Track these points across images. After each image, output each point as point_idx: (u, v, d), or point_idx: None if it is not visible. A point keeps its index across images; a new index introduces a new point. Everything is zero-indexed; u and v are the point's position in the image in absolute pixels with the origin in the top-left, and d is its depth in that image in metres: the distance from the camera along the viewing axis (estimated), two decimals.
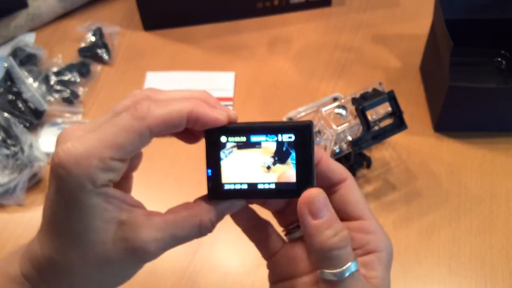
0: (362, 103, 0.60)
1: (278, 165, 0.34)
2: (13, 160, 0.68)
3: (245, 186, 0.34)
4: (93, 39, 0.86)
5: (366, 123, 0.60)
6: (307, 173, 0.34)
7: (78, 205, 0.30)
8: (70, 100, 0.78)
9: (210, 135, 0.34)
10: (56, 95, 0.78)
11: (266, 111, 0.77)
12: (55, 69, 0.81)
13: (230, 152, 0.34)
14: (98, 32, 0.86)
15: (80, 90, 0.80)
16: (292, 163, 0.34)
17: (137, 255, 0.31)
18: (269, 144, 0.34)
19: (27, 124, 0.73)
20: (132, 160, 0.33)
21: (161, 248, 0.32)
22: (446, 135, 0.74)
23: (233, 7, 0.90)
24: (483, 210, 0.66)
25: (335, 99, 0.70)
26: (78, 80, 0.81)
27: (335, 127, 0.63)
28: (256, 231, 0.38)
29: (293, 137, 0.33)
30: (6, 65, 0.77)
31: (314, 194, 0.32)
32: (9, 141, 0.69)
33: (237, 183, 0.34)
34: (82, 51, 0.85)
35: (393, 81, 0.80)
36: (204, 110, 0.32)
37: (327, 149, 0.64)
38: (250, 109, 0.78)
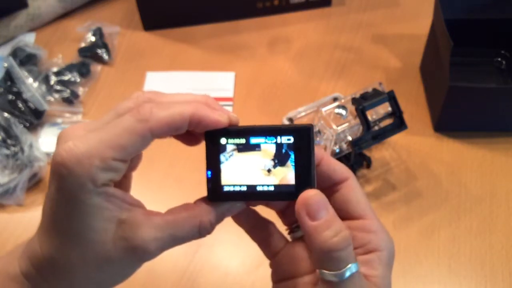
0: (362, 103, 0.60)
1: (278, 168, 0.34)
2: (13, 160, 0.68)
3: (244, 188, 0.34)
4: (93, 39, 0.86)
5: (366, 123, 0.60)
6: (306, 175, 0.34)
7: (78, 204, 0.30)
8: (70, 100, 0.78)
9: (210, 137, 0.34)
10: (56, 95, 0.78)
11: (266, 111, 0.77)
12: (55, 69, 0.81)
13: (231, 155, 0.34)
14: (98, 32, 0.86)
15: (80, 90, 0.80)
16: (292, 165, 0.34)
17: (137, 254, 0.31)
18: (268, 147, 0.34)
19: (27, 124, 0.73)
20: (131, 160, 0.33)
21: (161, 248, 0.32)
22: (446, 135, 0.74)
23: (233, 7, 0.90)
24: (483, 210, 0.66)
25: (335, 99, 0.70)
26: (78, 80, 0.81)
27: (335, 127, 0.63)
28: (258, 231, 0.38)
29: (292, 139, 0.33)
30: (6, 65, 0.77)
31: (311, 195, 0.32)
32: (9, 141, 0.69)
33: (237, 185, 0.34)
34: (82, 51, 0.85)
35: (393, 81, 0.80)
36: (206, 112, 0.32)
37: (327, 149, 0.64)
38: (250, 109, 0.78)
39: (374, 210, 0.36)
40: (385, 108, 0.64)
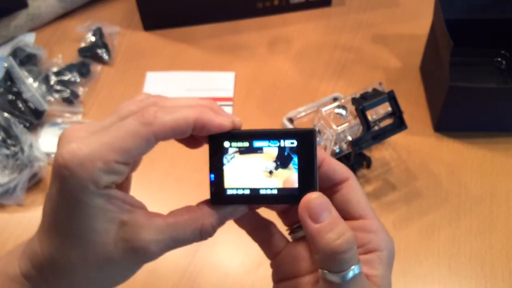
0: (362, 103, 0.60)
1: (280, 170, 0.34)
2: (13, 160, 0.68)
3: (247, 192, 0.34)
4: (93, 39, 0.86)
5: (366, 123, 0.60)
6: (309, 179, 0.34)
7: (80, 205, 0.30)
8: (70, 100, 0.78)
9: (213, 140, 0.34)
10: (56, 95, 0.78)
11: (266, 111, 0.77)
12: (55, 69, 0.81)
13: (232, 157, 0.34)
14: (98, 32, 0.86)
15: (80, 90, 0.80)
16: (294, 168, 0.34)
17: (138, 256, 0.32)
18: (270, 149, 0.34)
19: (27, 124, 0.73)
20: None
21: (162, 250, 0.32)
22: (446, 135, 0.74)
23: (233, 7, 0.90)
24: (483, 210, 0.66)
25: (335, 99, 0.70)
26: (78, 80, 0.81)
27: (335, 127, 0.63)
28: (259, 232, 0.38)
29: (295, 143, 0.34)
30: (6, 65, 0.77)
31: (313, 198, 0.33)
32: (9, 141, 0.69)
33: (240, 188, 0.34)
34: (82, 51, 0.85)
35: (393, 81, 0.80)
36: (210, 117, 0.32)
37: (327, 149, 0.64)
38: (250, 109, 0.78)
39: (374, 210, 0.36)
40: (385, 108, 0.64)
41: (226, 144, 0.34)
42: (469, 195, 0.67)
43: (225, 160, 0.34)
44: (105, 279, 0.33)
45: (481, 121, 0.73)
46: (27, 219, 0.66)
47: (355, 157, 0.68)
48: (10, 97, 0.74)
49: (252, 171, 0.34)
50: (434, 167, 0.70)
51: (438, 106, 0.72)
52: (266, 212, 0.39)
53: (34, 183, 0.69)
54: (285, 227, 0.39)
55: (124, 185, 0.35)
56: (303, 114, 0.72)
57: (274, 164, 0.34)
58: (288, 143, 0.34)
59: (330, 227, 0.32)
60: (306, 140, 0.34)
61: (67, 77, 0.80)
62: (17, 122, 0.71)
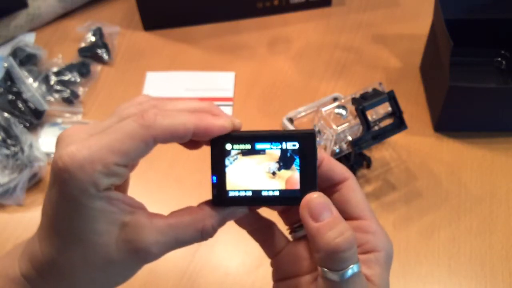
0: (362, 103, 0.60)
1: (283, 171, 0.34)
2: (13, 160, 0.68)
3: (249, 193, 0.34)
4: (93, 39, 0.86)
5: (366, 123, 0.60)
6: (311, 180, 0.34)
7: (81, 207, 0.30)
8: (70, 100, 0.78)
9: (215, 142, 0.34)
10: (56, 95, 0.78)
11: (266, 111, 0.77)
12: (55, 69, 0.81)
13: (235, 159, 0.34)
14: (98, 32, 0.86)
15: (80, 90, 0.80)
16: (297, 168, 0.34)
17: (140, 257, 0.32)
18: (273, 151, 0.34)
19: (27, 124, 0.73)
20: None
21: (163, 251, 0.32)
22: (446, 135, 0.74)
23: (233, 7, 0.89)
24: (483, 210, 0.66)
25: (335, 99, 0.70)
26: (78, 80, 0.81)
27: (335, 127, 0.63)
28: (260, 231, 0.38)
29: (297, 145, 0.34)
30: (6, 65, 0.77)
31: (314, 197, 0.33)
32: (9, 141, 0.69)
33: (242, 190, 0.34)
34: (82, 51, 0.85)
35: (393, 81, 0.80)
36: (209, 121, 0.32)
37: (327, 149, 0.64)
38: (250, 109, 0.78)
39: (373, 211, 0.36)
40: (385, 108, 0.64)
41: (228, 146, 0.34)
42: (469, 195, 0.67)
43: (227, 162, 0.34)
44: (106, 280, 0.33)
45: (481, 121, 0.73)
46: (27, 219, 0.66)
47: (355, 157, 0.68)
48: (10, 97, 0.74)
49: (255, 172, 0.34)
50: (434, 167, 0.70)
51: (438, 106, 0.72)
52: (266, 212, 0.39)
53: (34, 183, 0.69)
54: (285, 226, 0.39)
55: (122, 186, 0.35)
56: (303, 114, 0.72)
57: (277, 165, 0.34)
58: (291, 145, 0.34)
59: (330, 226, 0.32)
60: (308, 141, 0.34)
61: (67, 77, 0.80)
62: (17, 122, 0.71)
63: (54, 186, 0.30)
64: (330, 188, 0.36)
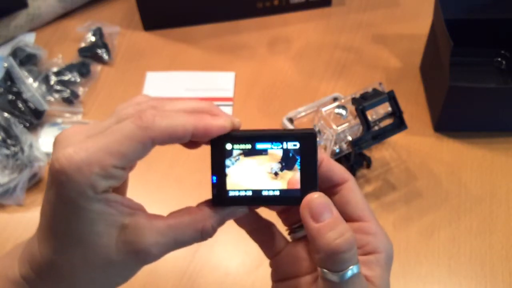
0: (362, 103, 0.60)
1: (285, 171, 0.34)
2: (13, 160, 0.68)
3: (249, 193, 0.34)
4: (93, 39, 0.86)
5: (366, 123, 0.60)
6: (311, 180, 0.34)
7: (79, 210, 0.30)
8: (70, 100, 0.78)
9: (215, 142, 0.34)
10: (56, 95, 0.78)
11: (266, 111, 0.77)
12: (55, 69, 0.81)
13: (237, 159, 0.34)
14: (98, 32, 0.86)
15: (80, 90, 0.80)
16: (299, 168, 0.34)
17: (140, 258, 0.32)
18: (275, 151, 0.34)
19: (27, 124, 0.73)
20: None
21: (163, 252, 0.32)
22: (446, 135, 0.74)
23: (233, 7, 0.89)
24: (483, 210, 0.66)
25: (335, 99, 0.70)
26: (78, 80, 0.81)
27: (335, 127, 0.63)
28: (259, 232, 0.38)
29: (298, 145, 0.34)
30: (6, 65, 0.77)
31: (314, 197, 0.33)
32: (9, 141, 0.69)
33: (242, 190, 0.34)
34: (82, 51, 0.85)
35: (393, 81, 0.80)
36: (208, 121, 0.32)
37: (327, 149, 0.64)
38: (250, 109, 0.78)
39: (373, 212, 0.36)
40: (385, 108, 0.64)
41: (228, 146, 0.34)
42: (469, 195, 0.67)
43: (229, 162, 0.34)
44: (106, 280, 0.33)
45: (481, 121, 0.73)
46: (27, 219, 0.66)
47: (355, 157, 0.68)
48: (10, 97, 0.74)
49: (257, 173, 0.34)
50: (434, 167, 0.70)
51: (438, 106, 0.72)
52: (266, 212, 0.39)
53: (34, 183, 0.69)
54: (284, 227, 0.39)
55: (121, 188, 0.35)
56: (303, 114, 0.72)
57: (279, 166, 0.34)
58: (291, 145, 0.34)
59: (330, 227, 0.32)
60: (308, 141, 0.34)
61: (67, 77, 0.80)
62: (17, 122, 0.71)
63: (51, 188, 0.30)
64: (329, 189, 0.36)
